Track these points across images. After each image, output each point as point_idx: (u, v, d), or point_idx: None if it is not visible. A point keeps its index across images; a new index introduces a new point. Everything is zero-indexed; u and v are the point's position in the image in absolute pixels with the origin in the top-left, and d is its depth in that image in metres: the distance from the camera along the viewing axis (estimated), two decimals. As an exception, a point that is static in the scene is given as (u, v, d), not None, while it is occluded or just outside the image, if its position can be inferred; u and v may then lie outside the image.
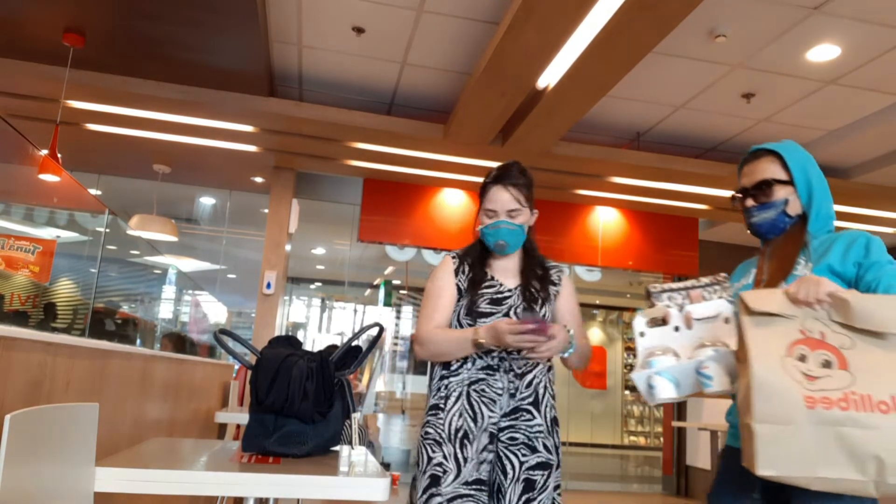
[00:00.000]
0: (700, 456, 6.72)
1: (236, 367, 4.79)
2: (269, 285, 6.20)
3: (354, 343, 1.79)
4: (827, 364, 1.34)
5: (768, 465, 1.32)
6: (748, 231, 1.73)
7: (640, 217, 7.11)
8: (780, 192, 1.67)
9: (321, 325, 10.46)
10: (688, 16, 3.61)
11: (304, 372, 1.57)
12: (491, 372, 1.82)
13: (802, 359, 1.35)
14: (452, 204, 6.76)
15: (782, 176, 1.68)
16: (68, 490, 1.25)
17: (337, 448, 1.69)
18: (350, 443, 1.63)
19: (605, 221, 7.09)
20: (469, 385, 1.82)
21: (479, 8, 4.05)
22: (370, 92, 5.33)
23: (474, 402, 1.80)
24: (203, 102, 5.06)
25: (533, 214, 1.98)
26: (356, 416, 1.66)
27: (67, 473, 1.26)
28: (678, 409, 7.50)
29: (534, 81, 4.45)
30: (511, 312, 1.87)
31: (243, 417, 3.44)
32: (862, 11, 3.84)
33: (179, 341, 6.60)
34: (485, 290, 1.90)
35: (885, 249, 1.57)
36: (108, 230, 3.97)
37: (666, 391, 1.52)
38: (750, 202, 1.70)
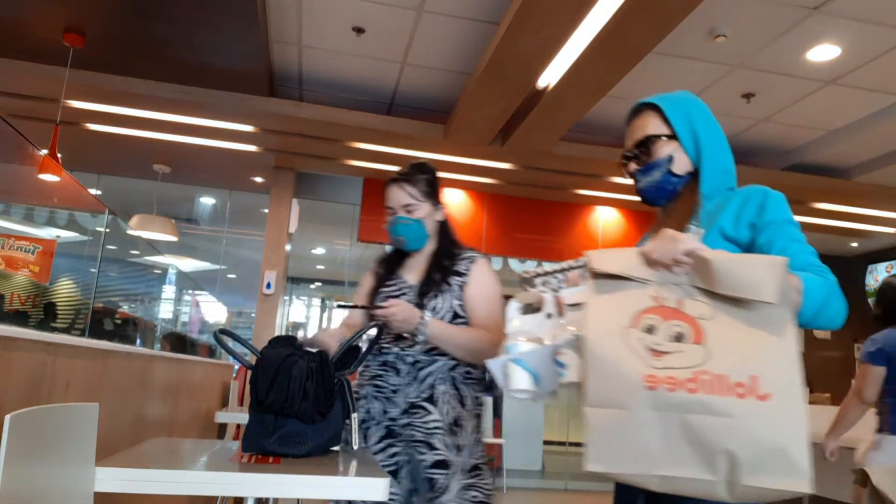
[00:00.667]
0: (700, 456, 6.71)
1: (236, 367, 4.79)
2: (269, 285, 6.20)
3: (354, 343, 1.79)
4: (679, 337, 1.10)
5: (598, 458, 1.11)
6: (640, 200, 1.51)
7: (640, 217, 7.11)
8: (663, 149, 1.43)
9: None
10: (688, 16, 3.61)
11: (304, 372, 1.57)
12: (387, 368, 1.88)
13: (650, 330, 1.11)
14: (452, 204, 6.76)
15: (663, 130, 1.44)
16: (68, 490, 1.25)
17: (337, 448, 1.70)
18: (350, 443, 1.63)
19: (605, 221, 7.09)
20: (369, 380, 1.91)
21: (479, 8, 4.05)
22: (370, 92, 5.33)
23: (370, 396, 1.89)
24: (203, 102, 5.06)
25: (437, 209, 1.99)
26: (356, 416, 1.65)
27: (67, 473, 1.26)
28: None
29: (534, 81, 4.45)
30: None
31: (243, 417, 3.45)
32: (862, 11, 3.84)
33: (179, 341, 6.60)
34: (384, 289, 1.97)
35: (787, 207, 1.32)
36: (108, 230, 3.97)
37: (521, 382, 1.27)
38: (633, 166, 1.47)
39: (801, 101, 5.01)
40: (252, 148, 5.90)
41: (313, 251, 9.48)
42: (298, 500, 2.66)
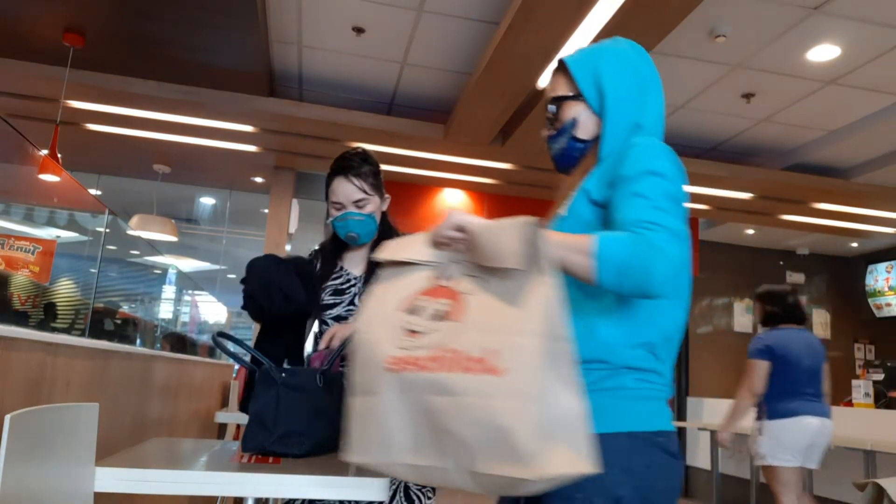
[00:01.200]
0: (700, 456, 6.72)
1: (236, 367, 4.79)
2: (269, 285, 6.18)
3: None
4: (440, 316, 1.03)
5: (354, 448, 1.06)
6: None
7: (640, 217, 7.10)
8: (568, 113, 1.27)
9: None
10: (688, 16, 3.62)
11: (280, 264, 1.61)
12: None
13: (415, 312, 1.05)
14: (452, 204, 6.76)
15: (568, 90, 1.28)
16: (68, 490, 1.25)
17: (337, 448, 1.70)
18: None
19: (605, 221, 7.08)
20: None
21: (479, 8, 4.05)
22: (370, 92, 5.33)
23: None
24: (203, 102, 5.06)
25: (384, 200, 1.94)
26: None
27: (67, 473, 1.26)
28: (678, 409, 7.49)
29: (534, 81, 4.44)
30: (356, 300, 1.85)
31: (243, 417, 3.44)
32: (862, 11, 3.84)
33: (179, 341, 6.59)
34: (330, 283, 1.90)
35: (656, 157, 1.12)
36: (108, 230, 3.97)
37: None
38: (544, 132, 1.32)
39: (801, 101, 5.01)
40: (252, 148, 5.90)
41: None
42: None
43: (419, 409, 0.98)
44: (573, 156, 1.28)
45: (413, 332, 1.03)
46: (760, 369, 3.45)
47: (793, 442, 3.33)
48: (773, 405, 3.42)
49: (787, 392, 3.40)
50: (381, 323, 1.07)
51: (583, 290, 1.15)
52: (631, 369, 1.14)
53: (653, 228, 1.03)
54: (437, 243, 1.10)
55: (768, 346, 3.48)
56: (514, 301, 0.98)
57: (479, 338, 0.97)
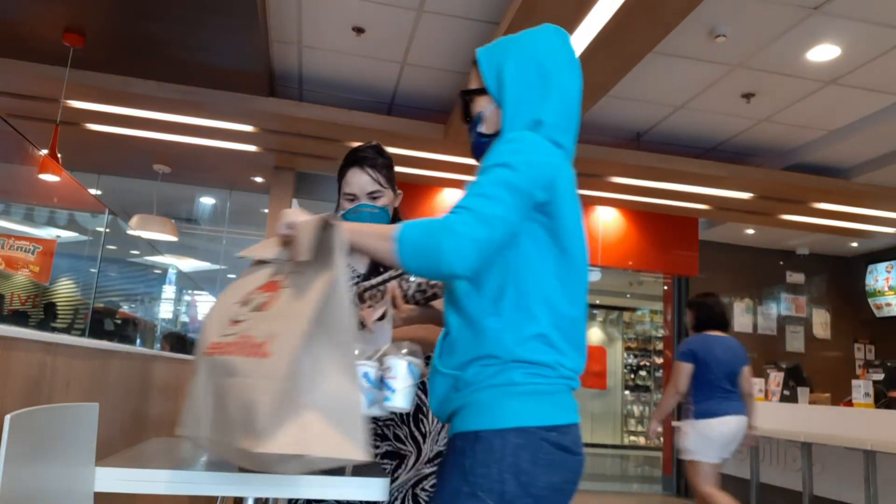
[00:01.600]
0: (700, 456, 6.72)
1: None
2: (269, 285, 6.19)
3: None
4: (259, 307, 1.12)
5: (181, 423, 1.18)
6: None
7: (640, 217, 7.11)
8: (477, 107, 1.30)
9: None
10: (688, 16, 3.61)
11: None
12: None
13: (246, 304, 1.15)
14: (452, 204, 6.75)
15: (477, 84, 1.31)
16: (68, 490, 1.25)
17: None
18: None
19: (605, 221, 7.09)
20: None
21: (479, 8, 4.05)
22: (370, 92, 5.33)
23: None
24: (203, 102, 5.06)
25: (397, 196, 1.90)
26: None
27: (67, 473, 1.26)
28: (678, 410, 7.49)
29: (534, 81, 4.44)
30: (354, 298, 1.84)
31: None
32: (862, 11, 3.84)
33: (179, 341, 6.59)
34: None
35: (513, 148, 1.14)
36: (108, 230, 3.97)
37: None
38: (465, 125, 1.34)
39: (801, 101, 5.01)
40: (252, 148, 5.90)
41: (313, 251, 9.46)
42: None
43: (217, 389, 1.08)
44: (483, 150, 1.27)
45: (236, 321, 1.12)
46: (685, 371, 3.83)
47: (718, 438, 3.71)
48: (699, 406, 3.80)
49: (710, 393, 3.78)
50: (218, 314, 1.17)
51: (470, 287, 1.18)
52: (521, 363, 1.14)
53: (457, 212, 1.09)
54: (282, 242, 1.17)
55: (692, 350, 3.87)
56: (303, 291, 1.07)
57: (269, 325, 1.06)
